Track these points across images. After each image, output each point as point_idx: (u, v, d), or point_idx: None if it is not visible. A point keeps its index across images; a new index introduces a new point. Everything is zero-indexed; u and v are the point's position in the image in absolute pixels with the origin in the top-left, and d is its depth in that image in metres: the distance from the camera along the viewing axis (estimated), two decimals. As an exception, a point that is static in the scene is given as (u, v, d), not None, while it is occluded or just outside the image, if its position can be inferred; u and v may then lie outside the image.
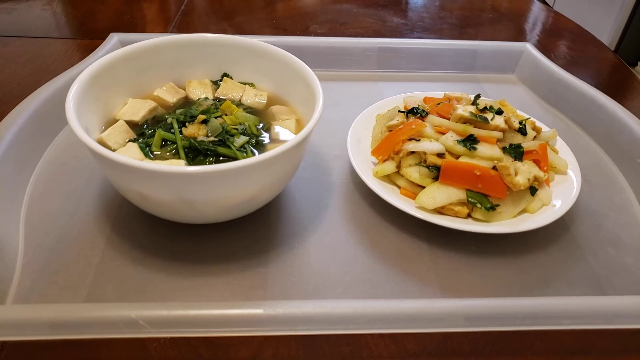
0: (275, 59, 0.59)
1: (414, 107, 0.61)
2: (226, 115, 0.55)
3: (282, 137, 0.55)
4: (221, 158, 0.51)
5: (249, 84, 0.63)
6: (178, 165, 0.46)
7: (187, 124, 0.53)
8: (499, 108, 0.59)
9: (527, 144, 0.56)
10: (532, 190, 0.54)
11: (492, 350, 0.43)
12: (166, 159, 0.50)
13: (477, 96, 0.62)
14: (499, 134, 0.56)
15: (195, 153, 0.51)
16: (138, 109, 0.56)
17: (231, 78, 0.63)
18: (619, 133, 0.66)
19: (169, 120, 0.54)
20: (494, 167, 0.53)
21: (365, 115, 0.65)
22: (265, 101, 0.61)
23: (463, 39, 0.94)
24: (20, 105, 0.61)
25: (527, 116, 0.63)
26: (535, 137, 0.59)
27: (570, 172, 0.58)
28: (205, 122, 0.53)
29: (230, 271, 0.49)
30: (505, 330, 0.44)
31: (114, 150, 0.50)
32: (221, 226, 0.52)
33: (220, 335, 0.42)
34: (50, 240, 0.51)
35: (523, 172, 0.53)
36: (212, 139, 0.52)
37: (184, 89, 0.62)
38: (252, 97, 0.61)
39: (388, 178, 0.58)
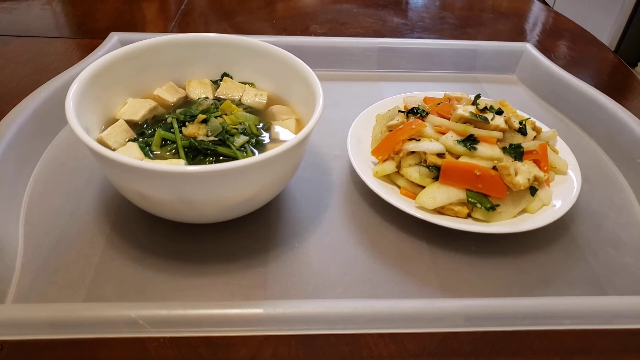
0: (276, 59, 0.59)
1: (414, 107, 0.61)
2: (226, 114, 0.55)
3: (282, 137, 0.55)
4: (221, 158, 0.51)
5: (249, 83, 0.63)
6: (178, 165, 0.46)
7: (187, 123, 0.53)
8: (499, 108, 0.59)
9: (527, 144, 0.56)
10: (532, 191, 0.54)
11: (492, 350, 0.43)
12: (166, 158, 0.50)
13: (477, 96, 0.62)
14: (499, 134, 0.56)
15: (195, 153, 0.51)
16: (138, 109, 0.56)
17: (231, 78, 0.63)
18: (619, 133, 0.66)
19: (169, 119, 0.54)
20: (494, 167, 0.53)
21: (365, 115, 0.65)
22: (265, 101, 0.61)
23: (463, 39, 0.94)
24: (20, 105, 0.61)
25: (527, 116, 0.63)
26: (535, 137, 0.59)
27: (571, 172, 0.58)
28: (205, 121, 0.53)
29: (230, 271, 0.49)
30: (505, 330, 0.44)
31: (113, 150, 0.50)
32: (221, 226, 0.52)
33: (220, 335, 0.42)
34: (50, 240, 0.51)
35: (523, 172, 0.53)
36: (212, 138, 0.52)
37: (184, 89, 0.62)
38: (252, 97, 0.61)
39: (388, 178, 0.58)
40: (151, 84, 0.60)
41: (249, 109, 0.59)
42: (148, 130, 0.54)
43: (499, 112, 0.58)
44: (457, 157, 0.54)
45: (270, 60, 0.60)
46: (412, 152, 0.55)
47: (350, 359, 0.42)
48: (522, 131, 0.58)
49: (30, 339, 0.42)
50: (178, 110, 0.56)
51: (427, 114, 0.60)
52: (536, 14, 1.14)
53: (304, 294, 0.47)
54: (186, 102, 0.60)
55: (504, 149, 0.55)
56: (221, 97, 0.61)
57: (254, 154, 0.52)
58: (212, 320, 0.42)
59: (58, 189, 0.57)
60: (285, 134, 0.56)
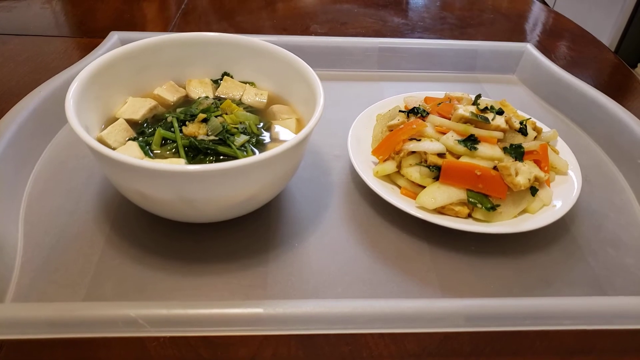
0: (276, 58, 0.59)
1: (414, 107, 0.61)
2: (226, 114, 0.55)
3: (282, 137, 0.55)
4: (221, 157, 0.51)
5: (249, 83, 0.63)
6: (178, 164, 0.46)
7: (187, 122, 0.53)
8: (500, 108, 0.59)
9: (528, 144, 0.56)
10: (533, 191, 0.54)
11: (492, 350, 0.43)
12: (166, 157, 0.50)
13: (478, 96, 0.62)
14: (499, 134, 0.56)
15: (196, 152, 0.51)
16: (138, 108, 0.56)
17: (231, 77, 0.63)
18: (620, 134, 0.66)
19: (169, 119, 0.54)
20: (495, 167, 0.53)
21: (365, 115, 0.65)
22: (265, 100, 0.61)
23: (464, 39, 0.94)
24: (20, 104, 0.61)
25: (527, 116, 0.63)
26: (535, 137, 0.59)
27: (571, 172, 0.58)
28: (205, 121, 0.53)
29: (230, 270, 0.49)
30: (505, 330, 0.44)
31: (113, 149, 0.50)
32: (221, 225, 0.52)
33: (220, 335, 0.42)
34: (50, 239, 0.51)
35: (524, 173, 0.53)
36: (212, 137, 0.51)
37: (184, 88, 0.62)
38: (252, 96, 0.61)
39: (388, 178, 0.58)
40: (151, 83, 0.60)
41: (250, 109, 0.59)
42: (148, 130, 0.54)
43: (500, 112, 0.58)
44: (458, 157, 0.54)
45: (270, 60, 0.60)
46: (413, 152, 0.55)
47: (350, 359, 0.42)
48: (523, 131, 0.57)
49: (30, 338, 0.41)
50: (178, 110, 0.56)
51: (428, 114, 0.60)
52: (536, 14, 1.14)
53: (304, 294, 0.47)
54: (186, 101, 0.60)
55: (504, 149, 0.55)
56: (221, 96, 0.61)
57: (254, 153, 0.52)
58: (212, 320, 0.42)
59: (58, 188, 0.57)
60: (285, 133, 0.56)
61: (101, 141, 0.51)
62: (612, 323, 0.45)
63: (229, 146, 0.51)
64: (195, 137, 0.51)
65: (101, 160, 0.46)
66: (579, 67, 0.90)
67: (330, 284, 0.48)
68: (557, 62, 0.82)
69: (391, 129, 0.60)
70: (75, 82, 0.50)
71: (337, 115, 0.67)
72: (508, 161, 0.53)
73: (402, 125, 0.58)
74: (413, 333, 0.43)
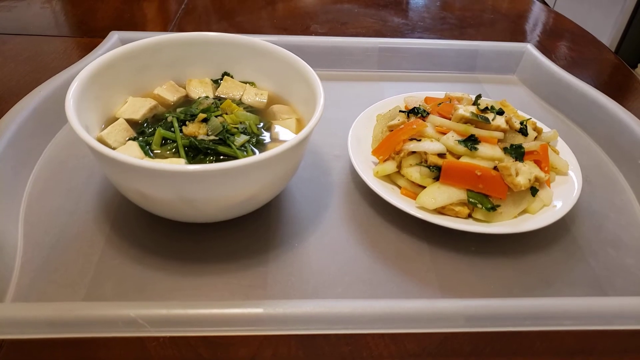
0: (276, 58, 0.59)
1: (415, 107, 0.61)
2: (226, 114, 0.55)
3: (282, 137, 0.55)
4: (221, 157, 0.51)
5: (249, 83, 0.62)
6: (178, 164, 0.46)
7: (187, 122, 0.53)
8: (500, 108, 0.59)
9: (528, 144, 0.56)
10: (533, 191, 0.54)
11: (492, 351, 0.43)
12: (166, 157, 0.50)
13: (478, 96, 0.62)
14: (500, 135, 0.56)
15: (196, 152, 0.51)
16: (138, 108, 0.56)
17: (232, 77, 0.63)
18: (620, 134, 0.66)
19: (169, 118, 0.54)
20: (495, 168, 0.53)
21: (365, 115, 0.65)
22: (265, 100, 0.61)
23: (464, 39, 0.94)
24: (20, 104, 0.61)
25: (528, 117, 0.63)
26: (536, 137, 0.59)
27: (571, 172, 0.58)
28: (205, 120, 0.53)
29: (230, 270, 0.49)
30: (505, 330, 0.44)
31: (113, 149, 0.50)
32: (221, 225, 0.52)
33: (220, 335, 0.42)
34: (50, 239, 0.51)
35: (524, 173, 0.53)
36: (212, 137, 0.51)
37: (185, 88, 0.61)
38: (252, 96, 0.60)
39: (388, 178, 0.57)
40: (151, 82, 0.60)
41: (250, 109, 0.59)
42: (148, 129, 0.54)
43: (500, 113, 0.58)
44: (458, 157, 0.54)
45: (271, 60, 0.60)
46: (413, 152, 0.55)
47: (350, 359, 0.42)
48: (523, 131, 0.57)
49: (30, 338, 0.41)
50: (178, 109, 0.56)
51: (428, 114, 0.60)
52: (536, 14, 1.14)
53: (304, 294, 0.47)
54: (186, 101, 0.60)
55: (504, 150, 0.55)
56: (222, 96, 0.61)
57: (254, 153, 0.52)
58: (211, 320, 0.42)
59: (58, 187, 0.57)
60: (285, 133, 0.55)
61: (101, 141, 0.51)
62: (612, 323, 0.45)
63: (229, 146, 0.51)
64: (195, 137, 0.51)
65: (101, 160, 0.46)
66: (579, 67, 0.90)
67: (330, 284, 0.48)
68: (557, 63, 0.82)
69: (391, 129, 0.60)
70: (76, 81, 0.50)
71: (337, 115, 0.66)
72: (508, 161, 0.53)
73: (403, 126, 0.58)
74: (413, 333, 0.43)
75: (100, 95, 0.54)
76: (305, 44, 0.81)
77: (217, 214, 0.50)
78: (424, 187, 0.54)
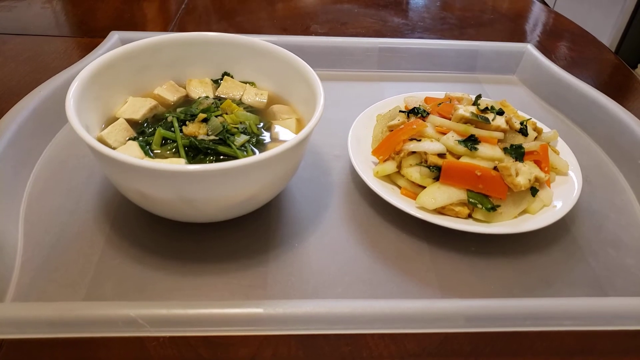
0: (276, 58, 0.59)
1: (415, 107, 0.61)
2: (227, 114, 0.55)
3: (282, 137, 0.55)
4: (221, 157, 0.51)
5: (249, 83, 0.62)
6: (178, 164, 0.46)
7: (187, 122, 0.53)
8: (500, 108, 0.59)
9: (528, 144, 0.56)
10: (533, 191, 0.54)
11: (492, 351, 0.43)
12: (166, 157, 0.50)
13: (478, 96, 0.62)
14: (500, 135, 0.56)
15: (196, 152, 0.51)
16: (138, 107, 0.56)
17: (232, 77, 0.63)
18: (620, 134, 0.66)
19: (169, 118, 0.54)
20: (495, 168, 0.53)
21: (365, 115, 0.65)
22: (265, 100, 0.61)
23: (464, 40, 0.94)
24: (20, 103, 0.61)
25: (528, 117, 0.63)
26: (536, 137, 0.59)
27: (571, 173, 0.58)
28: (205, 120, 0.53)
29: (230, 270, 0.49)
30: (505, 331, 0.44)
31: (114, 149, 0.50)
32: (221, 225, 0.52)
33: (220, 335, 0.42)
34: (50, 238, 0.51)
35: (524, 173, 0.53)
36: (212, 137, 0.51)
37: (185, 88, 0.61)
38: (252, 96, 0.61)
39: (388, 178, 0.57)
40: (151, 82, 0.60)
41: (250, 108, 0.59)
42: (148, 129, 0.54)
43: (500, 113, 0.58)
44: (458, 157, 0.54)
45: (271, 60, 0.60)
46: (413, 152, 0.55)
47: (350, 359, 0.42)
48: (523, 132, 0.57)
49: (30, 337, 0.41)
50: (178, 109, 0.56)
51: (428, 114, 0.60)
52: (537, 14, 1.14)
53: (304, 294, 0.47)
54: (186, 101, 0.60)
55: (504, 150, 0.55)
56: (222, 96, 0.61)
57: (254, 153, 0.52)
58: (211, 320, 0.42)
59: (58, 187, 0.57)
60: (285, 133, 0.56)
61: (101, 141, 0.51)
62: (612, 324, 0.45)
63: (229, 146, 0.51)
64: (195, 137, 0.51)
65: (101, 159, 0.46)
66: (579, 67, 0.90)
67: (330, 284, 0.48)
68: (557, 63, 0.82)
69: (391, 129, 0.60)
70: (76, 81, 0.50)
71: (337, 115, 0.66)
72: (508, 161, 0.53)
73: (403, 126, 0.58)
74: (413, 333, 0.43)
75: (101, 95, 0.54)
76: (305, 44, 0.81)
77: (217, 214, 0.50)
78: (424, 187, 0.54)
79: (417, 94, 0.69)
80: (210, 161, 0.50)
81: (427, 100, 0.66)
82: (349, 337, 0.43)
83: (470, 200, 0.52)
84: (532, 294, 0.49)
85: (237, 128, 0.53)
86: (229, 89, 0.61)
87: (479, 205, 0.52)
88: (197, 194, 0.45)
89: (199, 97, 0.59)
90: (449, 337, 0.43)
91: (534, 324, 0.44)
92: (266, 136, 0.55)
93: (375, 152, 0.59)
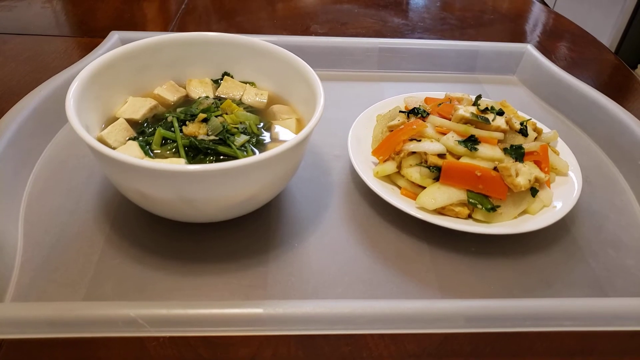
0: (276, 58, 0.59)
1: (415, 108, 0.61)
2: (227, 114, 0.55)
3: (282, 137, 0.55)
4: (221, 157, 0.51)
5: (249, 83, 0.62)
6: (178, 164, 0.46)
7: (187, 122, 0.53)
8: (500, 109, 0.59)
9: (528, 145, 0.56)
10: (533, 192, 0.54)
11: (492, 351, 0.43)
12: (166, 157, 0.50)
13: (478, 97, 0.62)
14: (500, 135, 0.56)
15: (196, 152, 0.51)
16: (138, 107, 0.56)
17: (232, 77, 0.63)
18: (620, 135, 0.66)
19: (170, 118, 0.54)
20: (495, 168, 0.53)
21: (365, 115, 0.65)
22: (265, 100, 0.61)
23: (464, 40, 0.94)
24: (20, 103, 0.61)
25: (528, 117, 0.63)
26: (536, 138, 0.59)
27: (571, 173, 0.58)
28: (205, 120, 0.53)
29: (230, 270, 0.49)
30: (505, 331, 0.44)
31: (114, 149, 0.50)
32: (221, 225, 0.52)
33: (220, 335, 0.42)
34: (50, 238, 0.51)
35: (524, 173, 0.53)
36: (212, 137, 0.51)
37: (185, 88, 0.61)
38: (252, 96, 0.61)
39: (388, 178, 0.57)
40: (151, 82, 0.60)
41: (250, 109, 0.59)
42: (148, 129, 0.54)
43: (500, 113, 0.58)
44: (458, 157, 0.54)
45: (271, 60, 0.60)
46: (413, 153, 0.55)
47: (350, 359, 0.42)
48: (523, 132, 0.57)
49: (30, 337, 0.41)
50: (178, 109, 0.56)
51: (428, 114, 0.60)
52: (536, 15, 1.14)
53: (304, 294, 0.47)
54: (187, 101, 0.60)
55: (504, 150, 0.55)
56: (222, 96, 0.61)
57: (254, 153, 0.52)
58: (211, 320, 0.42)
59: (58, 187, 0.57)
60: (285, 133, 0.56)
61: (101, 141, 0.51)
62: (612, 324, 0.45)
63: (229, 146, 0.51)
64: (195, 137, 0.51)
65: (101, 159, 0.46)
66: (579, 68, 0.90)
67: (330, 284, 0.48)
68: (557, 63, 0.82)
69: (391, 129, 0.60)
70: (76, 81, 0.50)
71: (337, 115, 0.66)
72: (508, 162, 0.53)
73: (403, 126, 0.58)
74: (413, 334, 0.43)
75: (101, 95, 0.54)
76: (305, 44, 0.81)
77: (217, 214, 0.50)
78: (424, 188, 0.54)
79: (417, 94, 0.69)
80: (210, 161, 0.50)
81: (427, 100, 0.66)
82: (348, 338, 0.43)
83: (470, 200, 0.52)
84: (532, 295, 0.49)
85: (237, 128, 0.53)
86: (229, 89, 0.61)
87: (479, 206, 0.52)
88: (197, 194, 0.45)
89: (199, 97, 0.59)
90: (448, 337, 0.43)
91: (534, 324, 0.44)
92: (266, 136, 0.55)
93: (375, 152, 0.59)
